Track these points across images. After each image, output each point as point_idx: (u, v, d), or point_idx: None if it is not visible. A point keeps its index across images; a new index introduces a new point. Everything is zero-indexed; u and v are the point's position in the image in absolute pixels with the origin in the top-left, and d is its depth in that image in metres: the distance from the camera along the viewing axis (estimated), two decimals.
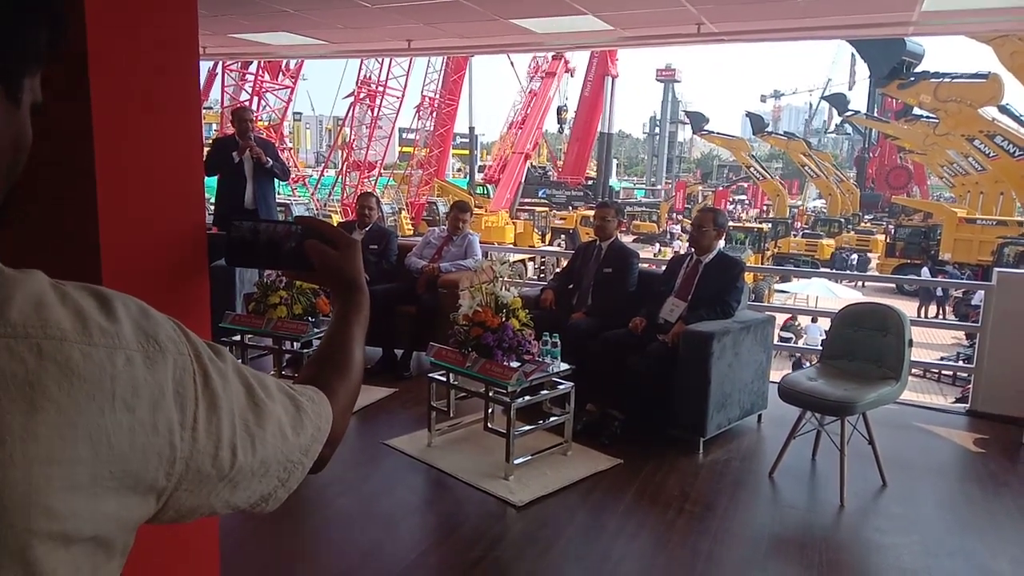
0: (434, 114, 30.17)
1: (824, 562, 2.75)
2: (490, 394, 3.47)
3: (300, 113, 48.66)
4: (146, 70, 1.50)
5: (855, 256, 27.52)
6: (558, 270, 6.50)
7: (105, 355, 0.47)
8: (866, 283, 21.50)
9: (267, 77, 25.49)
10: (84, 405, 0.45)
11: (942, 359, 13.93)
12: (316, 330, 4.14)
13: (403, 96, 27.37)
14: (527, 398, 3.46)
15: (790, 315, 16.72)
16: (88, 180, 1.38)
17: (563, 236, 29.83)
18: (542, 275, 18.82)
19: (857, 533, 3.07)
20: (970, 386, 4.73)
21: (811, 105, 70.60)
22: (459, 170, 44.15)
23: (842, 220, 33.01)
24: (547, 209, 34.82)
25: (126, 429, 0.47)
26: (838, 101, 42.72)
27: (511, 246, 21.68)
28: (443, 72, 29.63)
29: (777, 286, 20.31)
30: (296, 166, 30.52)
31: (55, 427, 0.43)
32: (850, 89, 55.42)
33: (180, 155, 1.60)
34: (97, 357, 0.46)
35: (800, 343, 14.19)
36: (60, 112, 1.41)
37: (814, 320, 15.67)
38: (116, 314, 0.49)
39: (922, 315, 19.38)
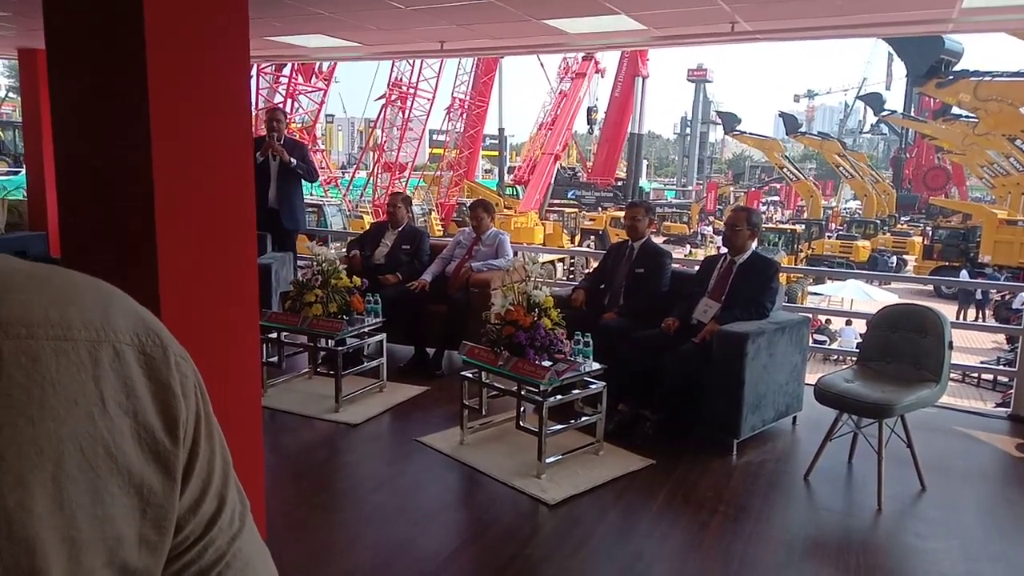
0: (464, 115, 30.27)
1: (861, 566, 2.71)
2: (522, 393, 3.48)
3: (332, 115, 49.16)
4: (200, 75, 1.55)
5: (894, 258, 27.01)
6: (587, 271, 6.49)
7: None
8: (903, 285, 21.11)
9: (300, 79, 25.82)
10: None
11: (982, 363, 13.61)
12: (351, 328, 4.19)
13: (434, 98, 27.54)
14: (559, 397, 3.47)
15: (824, 318, 16.45)
16: (146, 182, 1.42)
17: (592, 237, 29.73)
18: (571, 276, 18.78)
19: (895, 537, 3.03)
20: (1011, 391, 4.62)
21: (846, 105, 69.41)
22: (488, 171, 44.26)
23: (878, 222, 32.40)
24: (576, 210, 34.73)
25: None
26: (874, 101, 41.93)
27: (541, 246, 21.67)
28: (473, 74, 29.73)
29: (811, 288, 20.02)
30: (328, 168, 30.85)
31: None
32: (887, 89, 54.42)
33: (231, 156, 1.64)
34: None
35: (835, 346, 13.98)
36: (120, 116, 1.46)
37: (849, 323, 15.43)
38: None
39: (961, 318, 18.96)
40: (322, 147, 33.25)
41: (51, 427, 0.37)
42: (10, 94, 39.03)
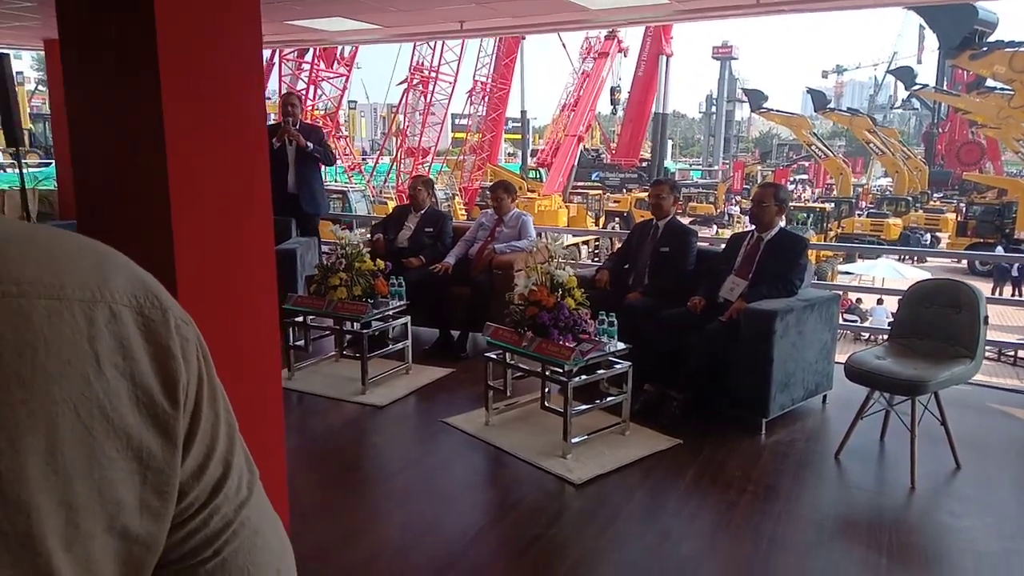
0: (486, 99, 30.13)
1: (894, 544, 2.67)
2: (547, 373, 3.47)
3: (355, 101, 49.20)
4: (212, 63, 1.54)
5: (928, 235, 26.43)
6: (611, 253, 6.44)
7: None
8: (936, 262, 20.70)
9: (323, 66, 25.86)
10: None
11: (1019, 340, 13.29)
12: (375, 311, 4.21)
13: (455, 82, 27.40)
14: (583, 377, 3.44)
15: (855, 296, 16.19)
16: (160, 170, 1.42)
17: (617, 219, 29.51)
18: (596, 259, 18.68)
19: (929, 516, 2.97)
20: None
21: (876, 80, 67.93)
22: (511, 154, 44.07)
23: (909, 199, 31.73)
24: (601, 192, 34.48)
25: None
26: (905, 75, 40.89)
27: (564, 228, 21.56)
28: (495, 56, 29.54)
29: (841, 267, 19.70)
30: (352, 154, 30.92)
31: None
32: (918, 62, 53.09)
33: (245, 144, 1.63)
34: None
35: (866, 325, 13.77)
36: (133, 108, 1.46)
37: (880, 301, 15.18)
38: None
39: (997, 295, 18.53)
40: (345, 133, 33.33)
41: (43, 388, 0.36)
42: (39, 87, 39.72)
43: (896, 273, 15.46)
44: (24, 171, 6.37)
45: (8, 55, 5.75)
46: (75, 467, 0.37)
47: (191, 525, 0.45)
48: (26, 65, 42.46)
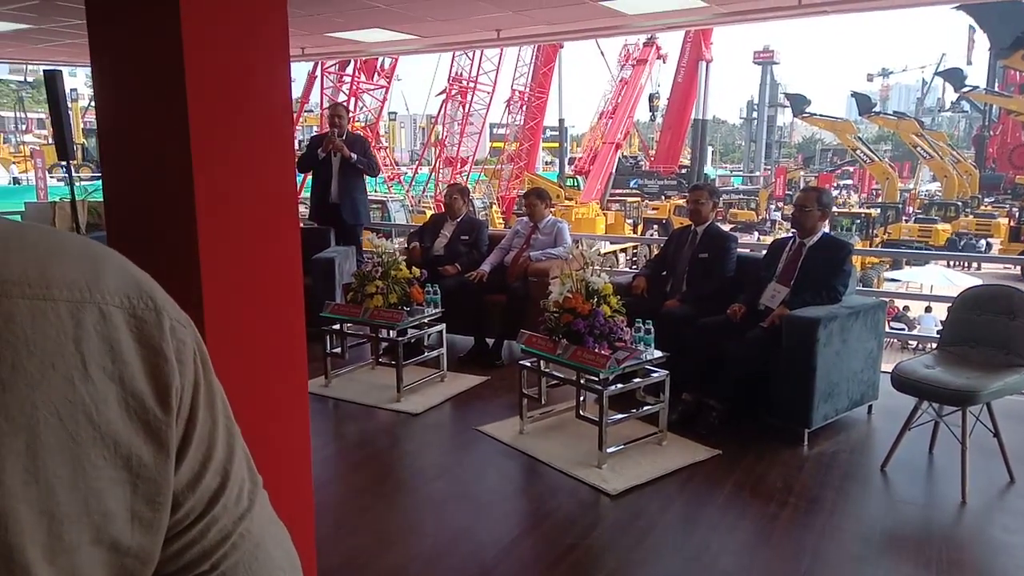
0: (524, 108, 30.18)
1: (944, 561, 2.56)
2: (582, 382, 3.43)
3: (395, 113, 49.78)
4: (238, 72, 1.55)
5: (983, 241, 25.57)
6: (648, 259, 6.36)
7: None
8: (988, 268, 20.05)
9: (363, 78, 26.22)
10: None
11: None
12: (411, 319, 4.22)
13: (493, 91, 27.51)
14: (619, 386, 3.40)
15: (902, 304, 15.76)
16: (185, 180, 1.43)
17: (655, 227, 29.25)
18: (634, 267, 18.52)
19: (981, 531, 2.85)
20: None
21: (923, 82, 66.14)
22: (548, 163, 44.09)
23: (959, 203, 30.81)
24: (639, 199, 34.23)
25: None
26: (954, 77, 39.81)
27: (601, 235, 21.44)
28: (532, 65, 29.60)
29: (888, 274, 19.21)
30: (393, 164, 31.26)
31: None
32: (968, 63, 51.51)
33: (272, 152, 1.65)
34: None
35: (914, 333, 13.37)
36: (159, 116, 1.48)
37: (928, 309, 14.77)
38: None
39: None
40: (385, 144, 33.74)
41: (24, 392, 0.35)
42: (93, 103, 40.93)
43: (946, 280, 15.00)
44: (75, 184, 6.57)
45: (60, 72, 5.94)
46: (57, 475, 0.36)
47: (187, 537, 0.43)
48: (80, 82, 43.78)
